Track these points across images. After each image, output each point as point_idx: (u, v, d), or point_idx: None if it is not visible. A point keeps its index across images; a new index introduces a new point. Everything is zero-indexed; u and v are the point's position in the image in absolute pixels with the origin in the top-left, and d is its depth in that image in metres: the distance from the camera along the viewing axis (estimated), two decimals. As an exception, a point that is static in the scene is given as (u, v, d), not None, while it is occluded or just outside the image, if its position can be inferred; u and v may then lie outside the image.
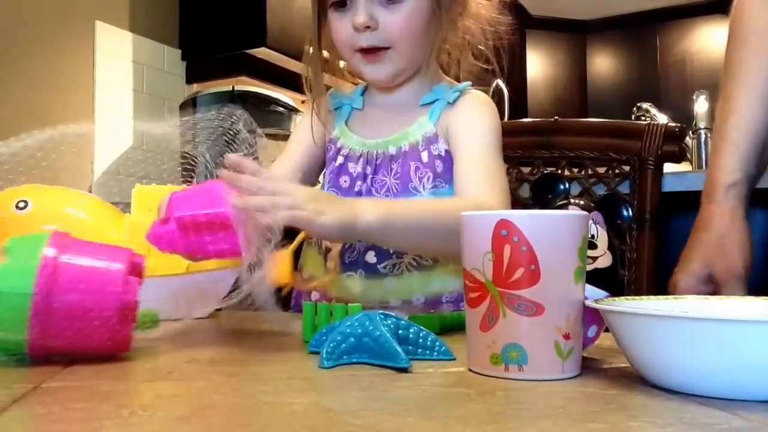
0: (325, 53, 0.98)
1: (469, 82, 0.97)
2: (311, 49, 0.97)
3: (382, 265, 0.92)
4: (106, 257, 0.52)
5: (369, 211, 0.74)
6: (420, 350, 0.55)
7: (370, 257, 0.92)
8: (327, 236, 0.81)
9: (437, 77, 0.98)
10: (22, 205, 0.78)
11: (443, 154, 0.92)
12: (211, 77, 2.61)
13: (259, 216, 0.63)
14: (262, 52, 2.55)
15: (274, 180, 0.68)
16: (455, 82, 0.98)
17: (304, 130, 1.02)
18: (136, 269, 0.54)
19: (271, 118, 2.43)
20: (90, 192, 0.88)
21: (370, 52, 0.90)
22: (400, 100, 0.97)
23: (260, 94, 2.42)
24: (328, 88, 1.02)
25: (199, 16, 2.61)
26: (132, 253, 0.54)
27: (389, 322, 0.55)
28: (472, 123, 0.92)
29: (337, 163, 0.97)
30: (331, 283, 0.95)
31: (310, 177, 1.02)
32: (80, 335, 0.50)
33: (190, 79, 2.67)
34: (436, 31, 0.92)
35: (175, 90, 2.63)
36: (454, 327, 0.69)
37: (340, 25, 0.91)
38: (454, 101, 0.94)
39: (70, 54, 2.26)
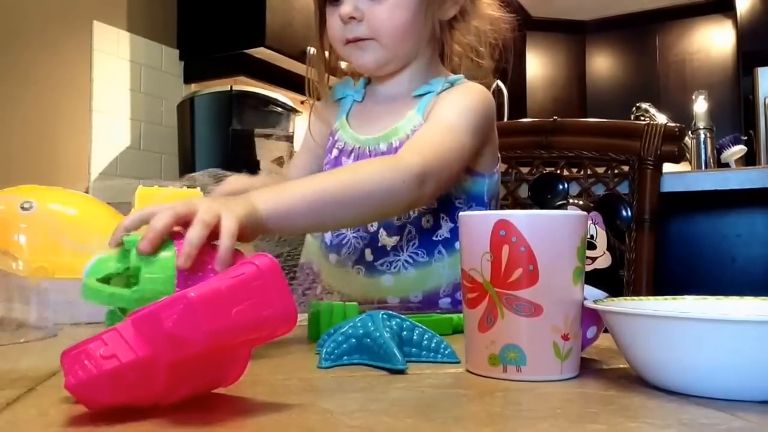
0: (326, 53, 1.00)
1: (461, 76, 0.97)
2: (314, 50, 1.01)
3: (379, 262, 0.93)
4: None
5: (263, 198, 0.63)
6: (424, 352, 0.54)
7: (368, 255, 0.93)
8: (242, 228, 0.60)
9: (436, 71, 0.98)
10: (27, 205, 0.79)
11: None
12: (210, 77, 2.60)
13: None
14: (260, 52, 2.54)
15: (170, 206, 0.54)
16: (452, 75, 0.98)
17: (306, 137, 1.07)
18: None
19: (269, 118, 2.43)
20: (87, 193, 0.88)
21: (355, 41, 0.92)
22: (394, 92, 0.98)
23: (259, 94, 2.41)
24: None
25: (198, 15, 2.60)
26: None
27: (392, 323, 0.54)
28: (447, 102, 0.92)
29: (332, 156, 0.99)
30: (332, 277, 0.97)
31: None
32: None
33: (188, 78, 2.67)
34: (424, 26, 0.93)
35: (173, 90, 2.62)
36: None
37: (332, 19, 0.94)
38: (443, 91, 0.94)
39: (67, 54, 2.26)
